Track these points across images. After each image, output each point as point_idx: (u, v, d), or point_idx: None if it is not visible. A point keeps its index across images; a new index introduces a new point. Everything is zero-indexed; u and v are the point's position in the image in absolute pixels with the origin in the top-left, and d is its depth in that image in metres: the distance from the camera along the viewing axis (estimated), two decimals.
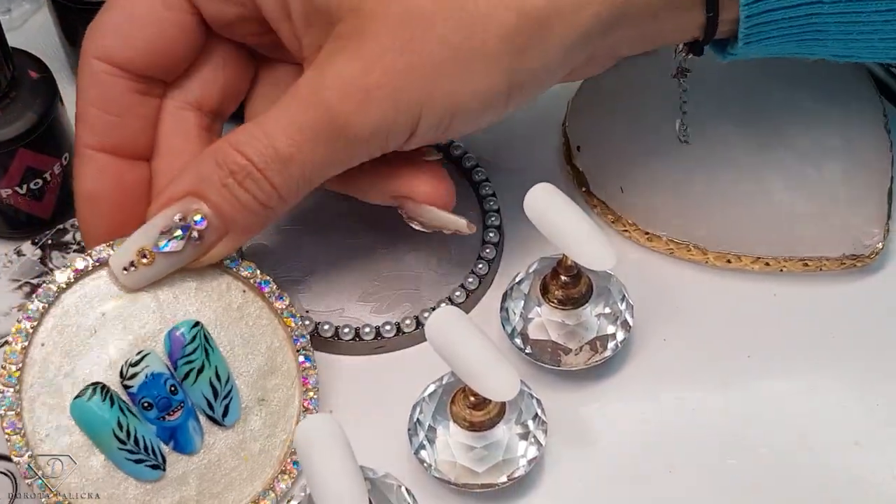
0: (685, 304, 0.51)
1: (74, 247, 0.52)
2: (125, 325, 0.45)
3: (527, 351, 0.47)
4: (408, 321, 0.49)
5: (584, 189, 0.54)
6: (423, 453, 0.44)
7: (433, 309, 0.48)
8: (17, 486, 0.43)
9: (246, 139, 0.42)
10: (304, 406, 0.46)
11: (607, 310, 0.47)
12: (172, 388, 0.44)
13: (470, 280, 0.50)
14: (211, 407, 0.45)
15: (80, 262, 0.45)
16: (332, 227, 0.52)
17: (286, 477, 0.45)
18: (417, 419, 0.45)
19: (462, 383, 0.43)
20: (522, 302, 0.47)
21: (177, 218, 0.43)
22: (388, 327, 0.49)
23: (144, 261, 0.44)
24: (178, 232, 0.43)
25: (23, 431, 0.43)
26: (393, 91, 0.41)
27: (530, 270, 0.48)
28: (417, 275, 0.51)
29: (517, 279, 0.48)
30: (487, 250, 0.51)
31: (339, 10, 0.41)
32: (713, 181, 0.53)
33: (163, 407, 0.44)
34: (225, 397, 0.45)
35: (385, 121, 0.41)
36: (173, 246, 0.43)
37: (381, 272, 0.51)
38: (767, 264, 0.52)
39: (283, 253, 0.52)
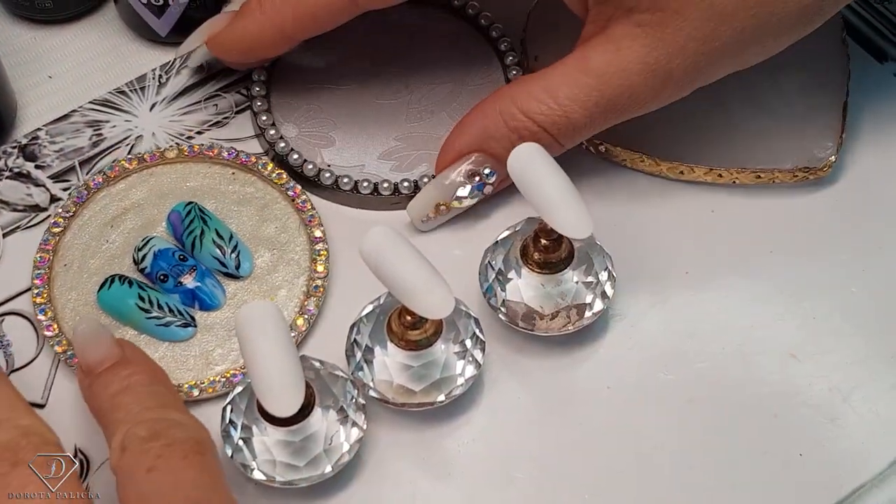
0: (634, 215, 0.53)
1: (7, 173, 0.53)
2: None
3: (501, 311, 0.48)
4: (425, 179, 0.52)
5: None
6: (360, 374, 0.46)
7: None
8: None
9: (538, 108, 0.48)
10: (314, 245, 0.51)
11: (588, 278, 0.48)
12: (181, 257, 0.50)
13: None
14: (223, 264, 0.50)
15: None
16: (360, 85, 0.56)
17: (303, 316, 0.49)
18: (355, 339, 0.47)
19: (399, 303, 0.46)
20: (502, 261, 0.48)
21: (468, 172, 0.50)
22: (405, 184, 0.52)
23: (442, 208, 0.51)
24: (473, 189, 0.51)
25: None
26: (693, 75, 0.47)
27: (513, 230, 0.49)
28: (438, 137, 0.54)
29: (499, 237, 0.49)
30: None
31: (639, 4, 0.46)
32: None
33: (177, 273, 0.49)
34: (232, 251, 0.50)
35: (674, 99, 0.49)
36: (468, 202, 0.51)
37: (403, 133, 0.54)
38: (720, 175, 0.53)
39: (308, 108, 0.55)
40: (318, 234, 0.51)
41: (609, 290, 0.49)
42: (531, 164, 0.45)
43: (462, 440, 0.47)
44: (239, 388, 0.45)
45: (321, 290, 0.50)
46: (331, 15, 0.50)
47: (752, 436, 0.47)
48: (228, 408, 0.45)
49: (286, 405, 0.41)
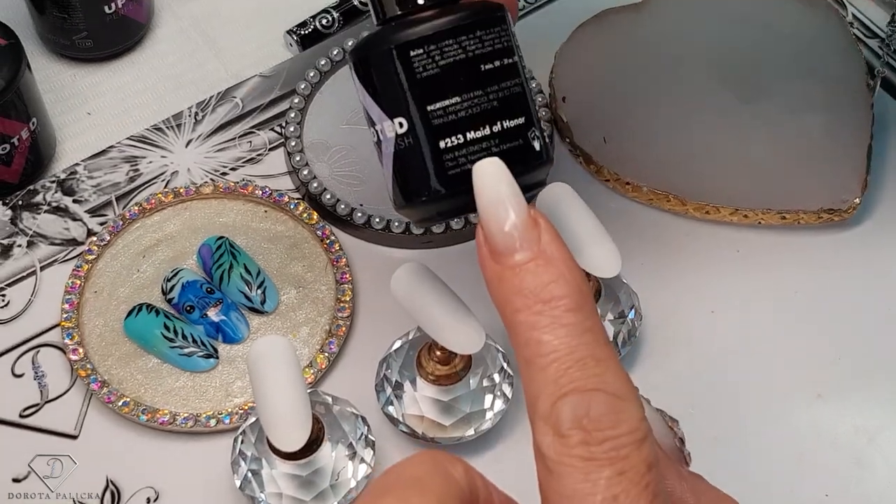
0: (661, 254, 0.55)
1: (45, 207, 0.55)
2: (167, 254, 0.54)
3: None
4: (456, 219, 0.53)
5: (567, 139, 0.57)
6: (390, 408, 0.48)
7: None
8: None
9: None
10: (340, 284, 0.52)
11: (616, 317, 0.49)
12: (209, 290, 0.52)
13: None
14: (248, 298, 0.52)
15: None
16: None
17: (323, 353, 0.51)
18: (384, 375, 0.48)
19: (428, 338, 0.47)
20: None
21: None
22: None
23: None
24: None
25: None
26: None
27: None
28: None
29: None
30: None
31: None
32: (694, 133, 0.56)
33: (203, 305, 0.51)
34: (259, 286, 0.52)
35: None
36: None
37: None
38: (745, 216, 0.54)
39: (341, 148, 0.57)
40: (344, 274, 0.53)
41: (636, 329, 0.50)
42: (560, 202, 0.47)
43: (488, 476, 0.48)
44: (250, 421, 0.46)
45: (343, 329, 0.51)
46: None
47: (778, 476, 0.48)
48: (239, 439, 0.46)
49: (292, 439, 0.42)
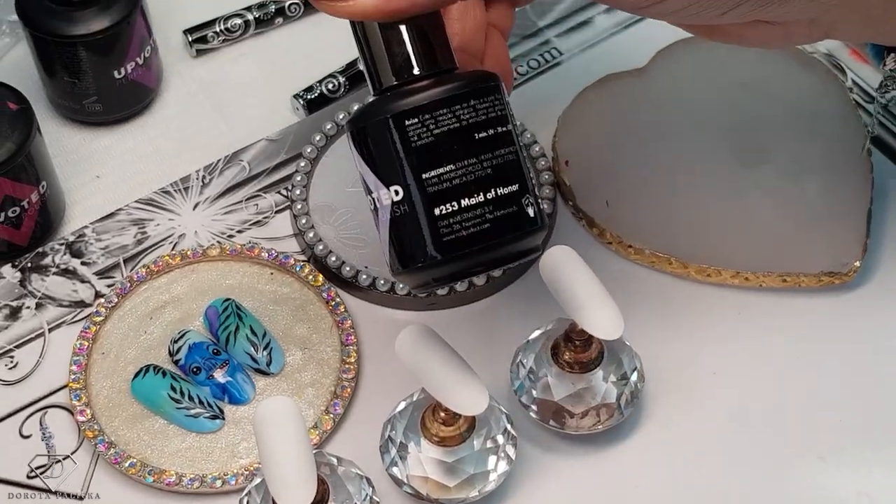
0: (663, 316, 0.55)
1: (53, 269, 0.56)
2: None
3: (532, 409, 0.50)
4: (461, 281, 0.54)
5: (570, 203, 0.58)
6: (395, 469, 0.48)
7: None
8: None
9: None
10: (344, 346, 0.53)
11: (618, 378, 0.50)
12: (215, 351, 0.52)
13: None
14: (254, 360, 0.52)
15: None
16: None
17: (328, 414, 0.51)
18: (389, 436, 0.48)
19: (433, 399, 0.48)
20: (533, 360, 0.50)
21: None
22: None
23: None
24: None
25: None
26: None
27: (544, 329, 0.51)
28: None
29: (531, 337, 0.51)
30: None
31: None
32: (695, 196, 0.57)
33: (209, 367, 0.52)
34: (265, 348, 0.53)
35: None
36: None
37: None
38: (747, 279, 0.55)
39: (346, 210, 0.58)
40: (349, 336, 0.54)
41: (639, 391, 0.50)
42: (563, 265, 0.48)
43: None
44: (256, 481, 0.47)
45: (348, 390, 0.52)
46: None
47: None
48: (245, 500, 0.47)
49: (297, 500, 0.42)
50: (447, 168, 0.41)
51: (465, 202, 0.41)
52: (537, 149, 0.59)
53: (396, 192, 0.41)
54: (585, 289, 0.47)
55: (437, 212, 0.41)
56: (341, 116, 0.60)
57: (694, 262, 0.56)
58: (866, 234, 0.55)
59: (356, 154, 0.43)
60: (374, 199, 0.42)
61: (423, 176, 0.41)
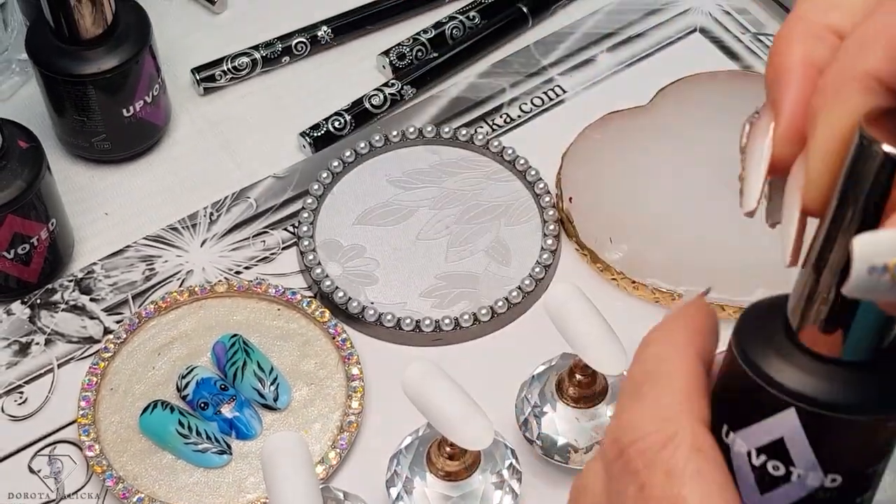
0: None
1: (63, 306, 0.57)
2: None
3: (537, 444, 0.51)
4: (465, 316, 0.56)
5: (574, 238, 0.59)
6: None
7: (490, 308, 0.56)
8: None
9: None
10: (350, 381, 0.54)
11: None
12: (223, 387, 0.53)
13: (527, 282, 0.57)
14: (262, 395, 0.54)
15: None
16: (402, 226, 0.60)
17: (334, 449, 0.53)
18: (395, 470, 0.50)
19: (438, 434, 0.49)
20: (538, 395, 0.52)
21: None
22: (447, 321, 0.56)
23: None
24: None
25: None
26: None
27: (549, 365, 0.52)
28: (477, 275, 0.58)
29: (535, 372, 0.52)
30: (545, 256, 0.58)
31: None
32: (699, 232, 0.59)
33: (217, 402, 0.53)
34: (272, 383, 0.54)
35: None
36: None
37: (444, 271, 0.58)
38: None
39: (352, 247, 0.59)
40: (355, 371, 0.55)
41: None
42: (567, 302, 0.49)
43: None
44: None
45: (354, 425, 0.53)
46: None
47: None
48: None
49: None
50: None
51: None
52: (541, 185, 0.61)
53: (833, 480, 0.35)
54: (589, 325, 0.48)
55: None
56: (347, 154, 0.62)
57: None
58: None
59: (797, 425, 0.35)
60: (789, 469, 0.35)
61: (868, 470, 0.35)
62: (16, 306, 0.58)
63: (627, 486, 0.34)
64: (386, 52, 0.67)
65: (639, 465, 0.34)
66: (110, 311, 0.58)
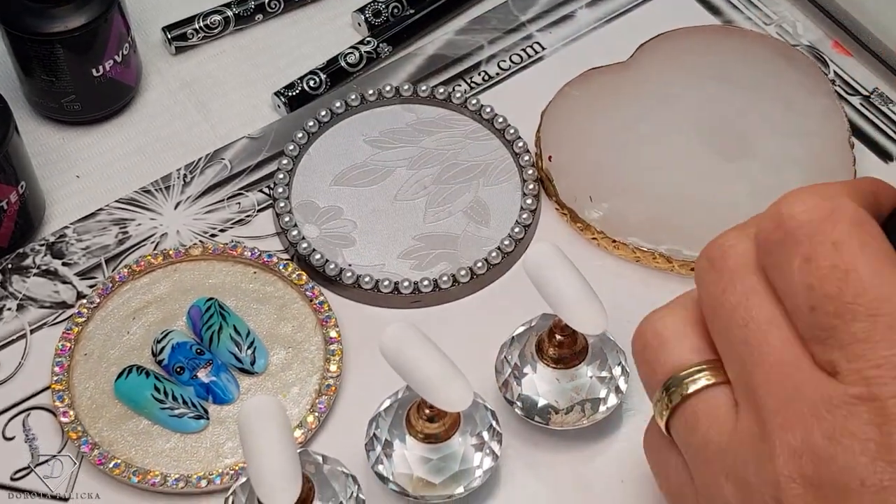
0: (647, 311, 0.56)
1: (34, 271, 0.57)
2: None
3: (517, 405, 0.51)
4: (444, 278, 0.56)
5: (553, 198, 0.59)
6: (380, 467, 0.49)
7: (469, 269, 0.56)
8: None
9: None
10: (329, 345, 0.54)
11: (602, 373, 0.51)
12: (198, 351, 0.53)
13: (506, 243, 0.57)
14: (238, 359, 0.54)
15: None
16: (380, 186, 0.60)
17: (313, 413, 0.52)
18: (374, 434, 0.49)
19: (417, 396, 0.49)
20: (518, 356, 0.51)
21: None
22: (425, 283, 0.56)
23: None
24: None
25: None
26: None
27: (529, 326, 0.52)
28: (456, 236, 0.58)
29: (515, 333, 0.52)
30: (525, 216, 0.58)
31: None
32: (679, 191, 0.59)
33: (193, 367, 0.53)
34: (249, 347, 0.54)
35: None
36: None
37: (422, 232, 0.58)
38: None
39: (329, 209, 0.59)
40: (333, 334, 0.55)
41: (623, 385, 0.52)
42: (546, 261, 0.49)
43: None
44: (241, 480, 0.48)
45: (333, 388, 0.53)
46: None
47: None
48: (230, 499, 0.48)
49: (281, 499, 0.43)
50: None
51: None
52: (521, 144, 0.61)
53: None
54: (569, 284, 0.48)
55: None
56: (323, 113, 0.61)
57: (678, 256, 0.57)
58: None
59: None
60: None
61: None
62: None
63: (791, 258, 0.35)
64: (361, 10, 0.67)
65: (801, 236, 0.34)
66: (83, 275, 0.57)
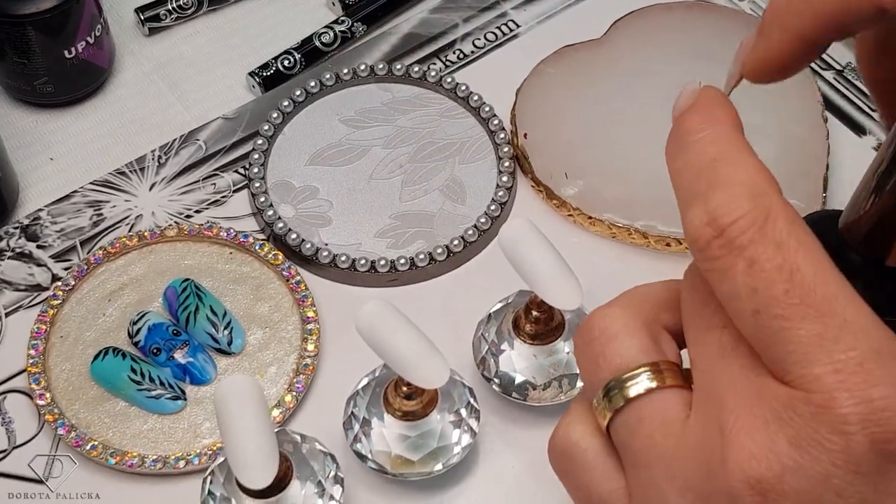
0: (623, 286, 0.57)
1: (9, 254, 0.56)
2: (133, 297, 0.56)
3: (495, 382, 0.52)
4: (421, 256, 0.56)
5: (529, 175, 0.59)
6: (358, 446, 0.49)
7: (446, 247, 0.56)
8: None
9: None
10: (306, 324, 0.54)
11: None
12: (175, 332, 0.53)
13: (482, 220, 0.58)
14: (215, 340, 0.54)
15: None
16: (355, 165, 0.60)
17: (291, 392, 0.53)
18: (352, 412, 0.50)
19: (395, 374, 0.49)
20: (495, 332, 0.52)
21: None
22: (402, 261, 0.56)
23: None
24: None
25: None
26: None
27: (506, 302, 0.52)
28: (432, 214, 0.58)
29: (492, 310, 0.52)
30: (501, 193, 0.58)
31: None
32: (655, 167, 0.59)
33: (169, 348, 0.53)
34: (225, 328, 0.54)
35: None
36: None
37: (399, 211, 0.58)
38: None
39: (304, 188, 0.59)
40: (310, 314, 0.55)
41: None
42: (522, 238, 0.49)
43: None
44: (219, 461, 0.48)
45: (311, 367, 0.53)
46: (854, 22, 0.40)
47: None
48: (208, 479, 0.48)
49: (258, 478, 0.43)
50: None
51: None
52: (496, 122, 0.61)
53: None
54: (545, 261, 0.49)
55: None
56: (298, 93, 0.61)
57: (654, 232, 0.57)
58: (823, 201, 0.57)
59: None
60: None
61: None
62: None
63: (734, 264, 0.34)
64: None
65: (744, 241, 0.34)
66: (58, 257, 0.57)
